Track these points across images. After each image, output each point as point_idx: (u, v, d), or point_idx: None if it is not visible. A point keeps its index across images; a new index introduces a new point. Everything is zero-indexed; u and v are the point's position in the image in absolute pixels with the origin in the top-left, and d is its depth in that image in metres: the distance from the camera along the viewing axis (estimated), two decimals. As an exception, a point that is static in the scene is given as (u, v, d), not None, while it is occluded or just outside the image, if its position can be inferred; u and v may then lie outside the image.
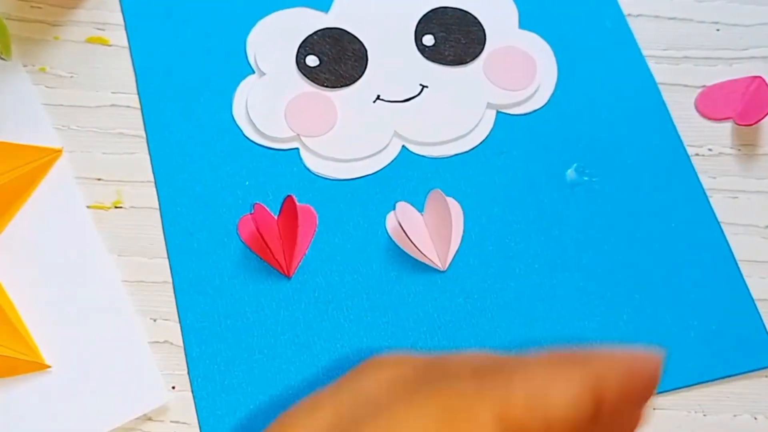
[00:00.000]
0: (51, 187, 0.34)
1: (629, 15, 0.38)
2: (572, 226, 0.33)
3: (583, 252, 0.33)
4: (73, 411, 0.30)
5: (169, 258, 0.33)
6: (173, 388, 0.31)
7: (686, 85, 0.37)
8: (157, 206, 0.34)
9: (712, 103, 0.36)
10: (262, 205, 0.33)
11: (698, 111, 0.36)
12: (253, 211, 0.33)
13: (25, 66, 0.36)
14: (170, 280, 0.33)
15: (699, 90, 0.36)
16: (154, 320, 0.32)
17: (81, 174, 0.35)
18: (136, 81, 0.36)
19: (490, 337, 0.32)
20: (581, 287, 0.32)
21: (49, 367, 0.31)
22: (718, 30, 0.38)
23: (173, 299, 0.32)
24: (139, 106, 0.36)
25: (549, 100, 0.36)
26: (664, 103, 0.36)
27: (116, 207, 0.34)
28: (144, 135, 0.35)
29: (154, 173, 0.34)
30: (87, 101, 0.36)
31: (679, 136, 0.35)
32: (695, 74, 0.37)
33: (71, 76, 0.36)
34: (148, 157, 0.35)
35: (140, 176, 0.35)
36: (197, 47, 0.37)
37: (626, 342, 0.31)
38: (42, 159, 0.34)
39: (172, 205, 0.34)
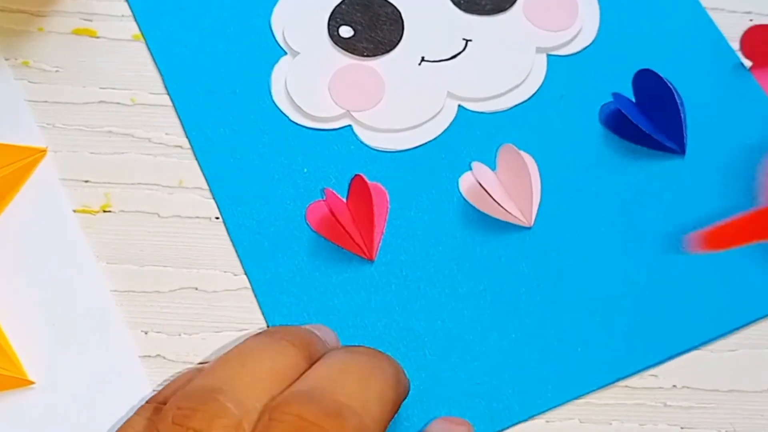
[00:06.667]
0: (35, 189, 0.33)
1: None
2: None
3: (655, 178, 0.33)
4: (58, 430, 0.30)
5: (242, 263, 0.32)
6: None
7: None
8: (149, 210, 0.33)
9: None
10: (332, 189, 0.33)
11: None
12: (324, 197, 0.33)
13: (7, 60, 0.35)
14: (161, 289, 0.32)
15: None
16: (146, 333, 0.31)
17: (67, 175, 0.34)
18: (163, 81, 0.35)
19: (589, 288, 0.32)
20: (660, 231, 0.32)
21: (33, 383, 0.30)
22: (751, 20, 0.36)
23: (165, 310, 0.31)
24: (129, 102, 0.35)
25: (597, 34, 0.35)
26: (713, 23, 0.36)
27: (105, 211, 0.33)
28: (134, 134, 0.34)
29: (207, 182, 0.34)
30: (73, 97, 0.35)
31: (733, 51, 0.35)
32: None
33: (57, 71, 0.35)
34: (138, 157, 0.34)
35: (130, 178, 0.34)
36: (219, 34, 0.36)
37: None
38: (25, 160, 0.33)
39: (232, 208, 0.33)
